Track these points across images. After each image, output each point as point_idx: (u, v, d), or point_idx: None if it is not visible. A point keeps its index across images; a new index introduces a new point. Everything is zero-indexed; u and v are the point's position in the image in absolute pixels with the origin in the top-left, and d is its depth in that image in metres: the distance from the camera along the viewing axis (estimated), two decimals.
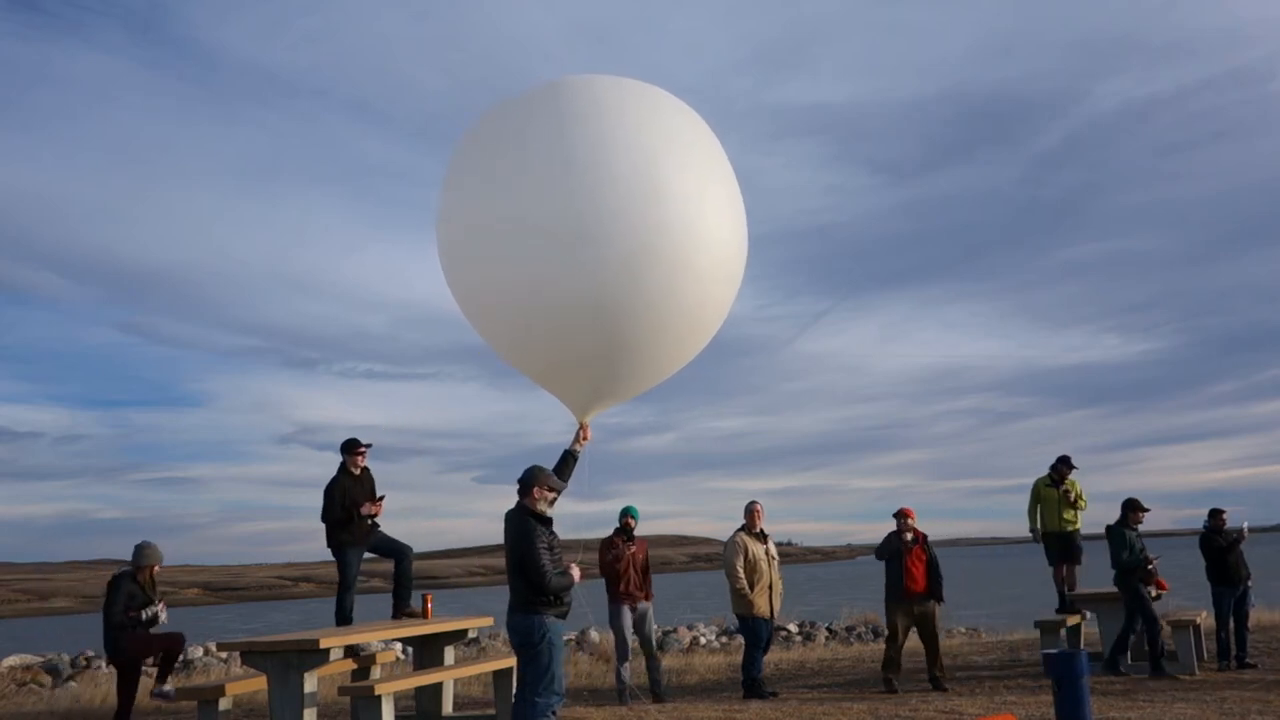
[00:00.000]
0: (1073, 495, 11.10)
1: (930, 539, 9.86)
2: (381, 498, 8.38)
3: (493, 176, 6.21)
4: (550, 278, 5.96)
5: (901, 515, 9.75)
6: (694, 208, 6.13)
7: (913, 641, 9.92)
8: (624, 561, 9.31)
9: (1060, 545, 11.16)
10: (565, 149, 5.97)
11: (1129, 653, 10.17)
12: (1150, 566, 9.93)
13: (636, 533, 9.55)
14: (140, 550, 8.21)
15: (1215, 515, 10.69)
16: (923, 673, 9.84)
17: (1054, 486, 11.12)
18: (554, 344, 6.32)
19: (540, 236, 5.89)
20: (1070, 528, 11.15)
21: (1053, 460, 11.28)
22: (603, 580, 9.41)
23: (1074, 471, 11.24)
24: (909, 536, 9.70)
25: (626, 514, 9.49)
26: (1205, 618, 11.30)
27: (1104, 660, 10.04)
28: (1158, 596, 10.26)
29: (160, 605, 8.24)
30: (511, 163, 6.12)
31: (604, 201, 5.84)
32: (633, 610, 9.33)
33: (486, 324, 6.66)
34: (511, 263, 6.07)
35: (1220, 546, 10.49)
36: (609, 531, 9.56)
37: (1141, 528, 10.28)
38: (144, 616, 8.10)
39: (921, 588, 9.59)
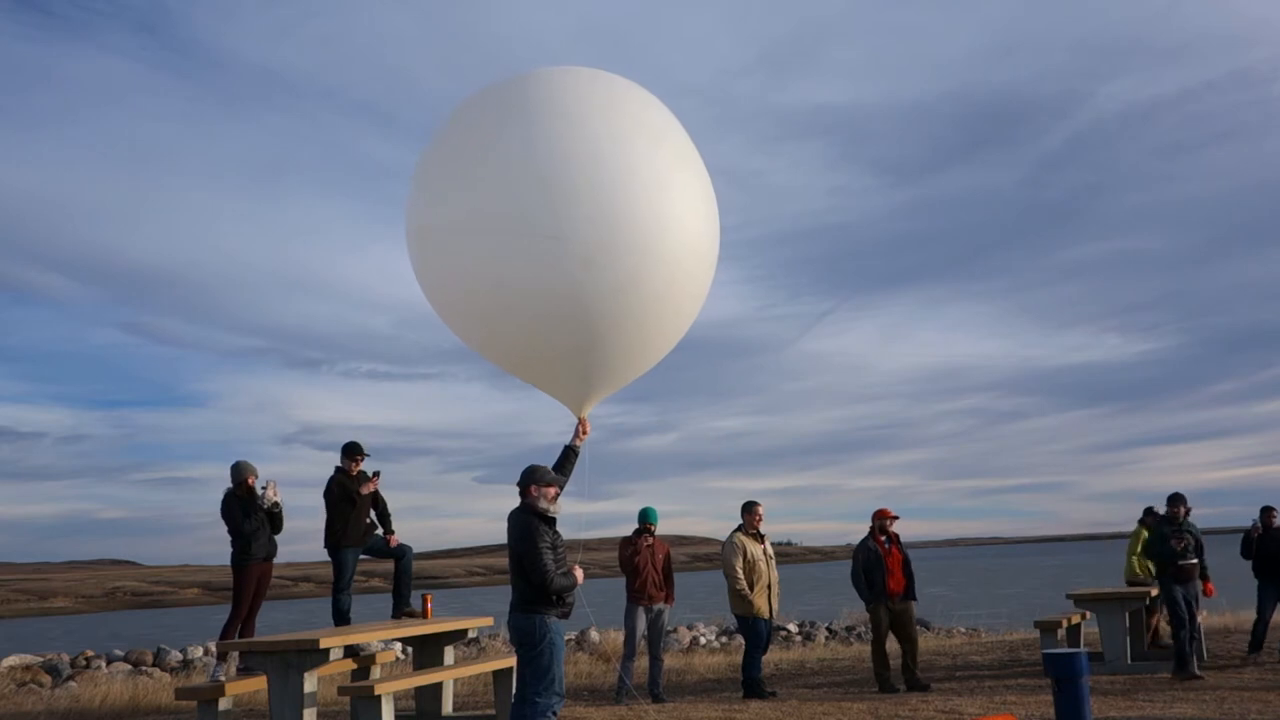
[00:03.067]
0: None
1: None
2: (377, 474, 8.45)
3: (457, 172, 6.21)
4: (518, 271, 5.96)
5: (882, 516, 9.79)
6: (660, 195, 6.14)
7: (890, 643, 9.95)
8: (643, 560, 9.35)
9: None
10: (530, 142, 5.98)
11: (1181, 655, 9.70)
12: (1182, 563, 9.77)
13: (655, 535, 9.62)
14: (236, 468, 8.13)
15: (1265, 513, 10.82)
16: (901, 671, 9.84)
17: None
18: (524, 338, 6.33)
19: (506, 231, 5.90)
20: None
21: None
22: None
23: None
24: (885, 538, 9.73)
25: (646, 518, 9.56)
26: (1206, 617, 11.32)
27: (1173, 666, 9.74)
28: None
29: (270, 488, 8.10)
30: (476, 158, 6.12)
31: (569, 193, 5.85)
32: (648, 610, 9.36)
33: (459, 323, 6.67)
34: (477, 258, 6.08)
35: (1249, 541, 10.84)
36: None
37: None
38: (265, 504, 8.02)
39: (901, 588, 9.66)
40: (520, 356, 6.58)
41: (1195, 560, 9.82)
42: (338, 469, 8.39)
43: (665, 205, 6.17)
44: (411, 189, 6.61)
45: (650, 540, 9.51)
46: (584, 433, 6.69)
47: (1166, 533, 9.85)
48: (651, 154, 6.22)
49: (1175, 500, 10.00)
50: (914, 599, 9.81)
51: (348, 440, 8.53)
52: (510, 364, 6.69)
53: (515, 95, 6.28)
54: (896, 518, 9.82)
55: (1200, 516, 11.33)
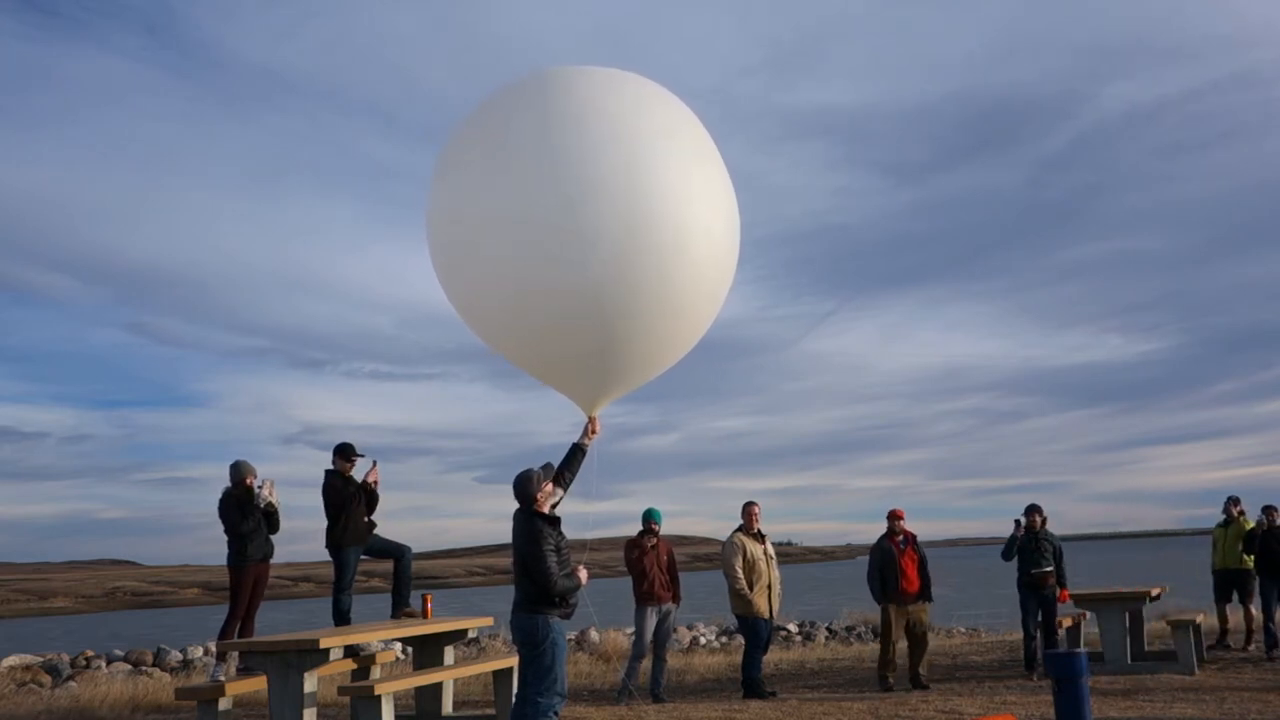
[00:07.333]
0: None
1: (930, 539, 9.95)
2: (375, 464, 8.48)
3: (479, 171, 6.19)
4: (542, 272, 5.94)
5: (894, 516, 9.82)
6: (682, 194, 6.12)
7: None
8: (649, 561, 9.37)
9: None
10: (550, 141, 5.96)
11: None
12: (1035, 571, 9.97)
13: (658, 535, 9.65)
14: (235, 467, 8.19)
15: (1268, 511, 11.01)
16: (907, 671, 9.85)
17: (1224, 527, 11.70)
18: (550, 339, 6.31)
19: (529, 230, 5.88)
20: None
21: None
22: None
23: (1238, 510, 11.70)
24: (900, 537, 9.77)
25: (650, 518, 9.57)
26: (1205, 617, 11.33)
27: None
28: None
29: (266, 486, 8.17)
30: (497, 157, 6.10)
31: (591, 193, 5.83)
32: (656, 611, 9.38)
33: (482, 323, 6.65)
34: (502, 259, 6.06)
35: (1255, 537, 11.02)
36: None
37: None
38: (260, 503, 8.07)
39: (915, 588, 9.67)
40: (540, 356, 6.55)
41: (1050, 569, 9.99)
42: (331, 470, 8.39)
43: (690, 206, 6.15)
44: (434, 185, 6.57)
45: (655, 540, 9.54)
46: (593, 432, 6.62)
47: (1017, 540, 10.11)
48: (677, 154, 6.20)
49: (1031, 510, 10.24)
50: (929, 600, 9.82)
51: (340, 441, 8.54)
52: (529, 363, 6.66)
53: (539, 93, 6.26)
54: (901, 517, 9.84)
55: (1201, 517, 11.55)
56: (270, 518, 8.17)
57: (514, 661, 7.44)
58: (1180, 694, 8.72)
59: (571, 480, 6.40)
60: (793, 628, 19.61)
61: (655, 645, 9.50)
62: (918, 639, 9.70)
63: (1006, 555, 10.25)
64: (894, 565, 9.67)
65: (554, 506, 6.00)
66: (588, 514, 6.52)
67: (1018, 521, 10.27)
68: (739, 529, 9.67)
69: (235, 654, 7.85)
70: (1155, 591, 11.12)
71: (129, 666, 15.80)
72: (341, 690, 7.47)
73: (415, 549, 8.72)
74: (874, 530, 10.00)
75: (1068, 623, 10.72)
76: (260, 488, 8.12)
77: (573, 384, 6.61)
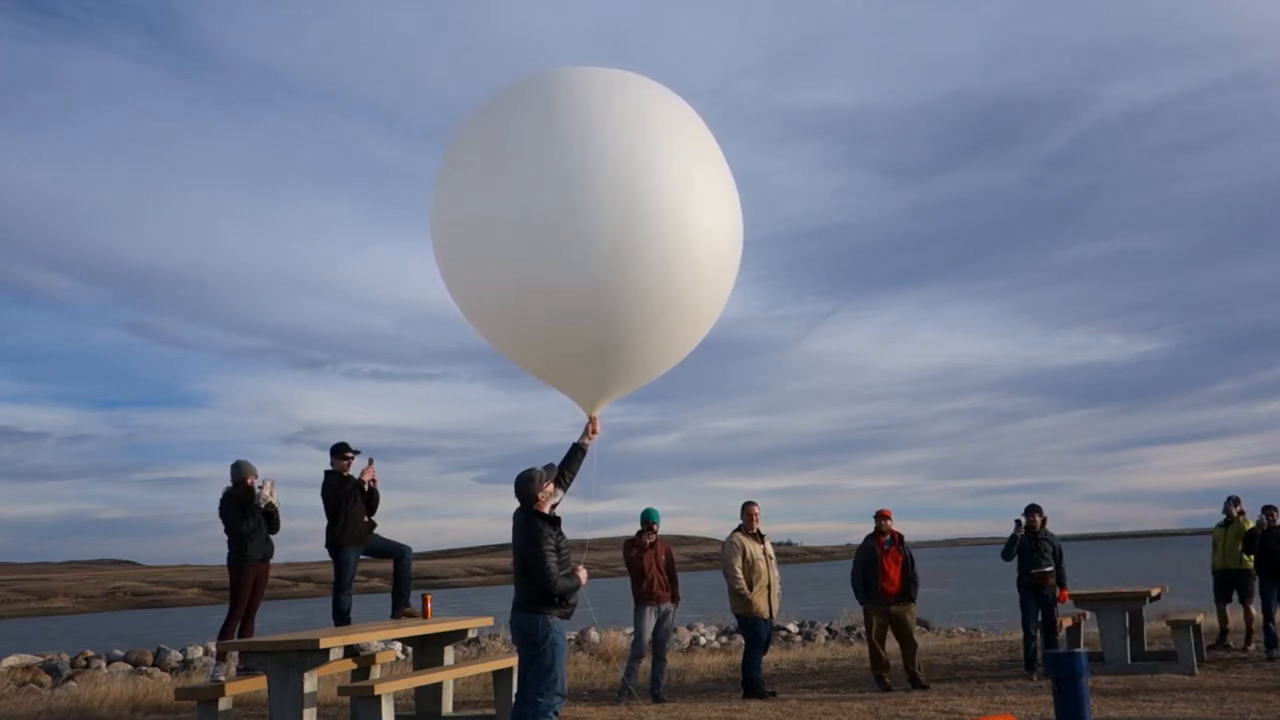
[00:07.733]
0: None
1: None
2: (371, 461, 8.50)
3: (481, 171, 6.18)
4: (543, 273, 5.94)
5: (880, 516, 9.82)
6: (683, 194, 6.11)
7: (890, 641, 10.01)
8: (648, 561, 9.37)
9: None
10: (552, 141, 5.96)
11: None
12: (1035, 571, 9.97)
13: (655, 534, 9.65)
14: (236, 467, 8.21)
15: (1268, 511, 11.02)
16: (903, 672, 9.87)
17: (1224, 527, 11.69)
18: (551, 339, 6.30)
19: (530, 230, 5.87)
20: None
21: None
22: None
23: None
24: (886, 538, 9.77)
25: (648, 518, 9.59)
26: (1205, 617, 11.33)
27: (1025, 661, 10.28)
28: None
29: (266, 486, 8.18)
30: (499, 157, 6.10)
31: (593, 193, 5.83)
32: (655, 610, 9.38)
33: (485, 323, 6.64)
34: (503, 259, 6.05)
35: (1255, 537, 11.02)
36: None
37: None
38: (260, 503, 8.08)
39: (897, 588, 9.68)
40: (541, 356, 6.54)
41: (1050, 569, 9.99)
42: (329, 471, 8.39)
43: (692, 207, 6.13)
44: (437, 185, 6.57)
45: (653, 540, 9.54)
46: (594, 432, 6.58)
47: (1017, 540, 10.14)
48: (679, 154, 6.19)
49: (1031, 510, 10.25)
50: (912, 600, 9.81)
51: (336, 441, 8.56)
52: (530, 363, 6.65)
53: (541, 93, 6.25)
54: (888, 517, 9.85)
55: (1201, 517, 11.57)
56: (270, 518, 8.18)
57: (514, 661, 7.44)
58: (1180, 694, 8.72)
59: (572, 480, 6.39)
60: (793, 628, 19.60)
61: (655, 645, 9.51)
62: (905, 639, 9.70)
63: (1006, 555, 10.25)
64: (876, 565, 9.68)
65: (554, 507, 6.00)
66: (587, 514, 6.51)
67: (1018, 521, 10.27)
68: (738, 529, 9.67)
69: (235, 654, 7.85)
70: (1155, 591, 11.12)
71: (129, 666, 15.79)
72: (341, 690, 7.47)
73: (415, 549, 8.73)
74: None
75: (1068, 623, 10.71)
76: (261, 488, 8.13)
77: (574, 384, 6.60)
